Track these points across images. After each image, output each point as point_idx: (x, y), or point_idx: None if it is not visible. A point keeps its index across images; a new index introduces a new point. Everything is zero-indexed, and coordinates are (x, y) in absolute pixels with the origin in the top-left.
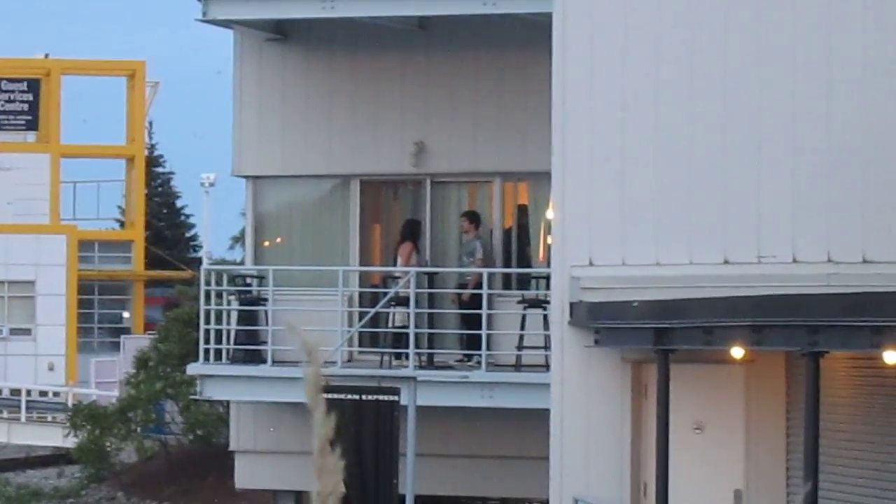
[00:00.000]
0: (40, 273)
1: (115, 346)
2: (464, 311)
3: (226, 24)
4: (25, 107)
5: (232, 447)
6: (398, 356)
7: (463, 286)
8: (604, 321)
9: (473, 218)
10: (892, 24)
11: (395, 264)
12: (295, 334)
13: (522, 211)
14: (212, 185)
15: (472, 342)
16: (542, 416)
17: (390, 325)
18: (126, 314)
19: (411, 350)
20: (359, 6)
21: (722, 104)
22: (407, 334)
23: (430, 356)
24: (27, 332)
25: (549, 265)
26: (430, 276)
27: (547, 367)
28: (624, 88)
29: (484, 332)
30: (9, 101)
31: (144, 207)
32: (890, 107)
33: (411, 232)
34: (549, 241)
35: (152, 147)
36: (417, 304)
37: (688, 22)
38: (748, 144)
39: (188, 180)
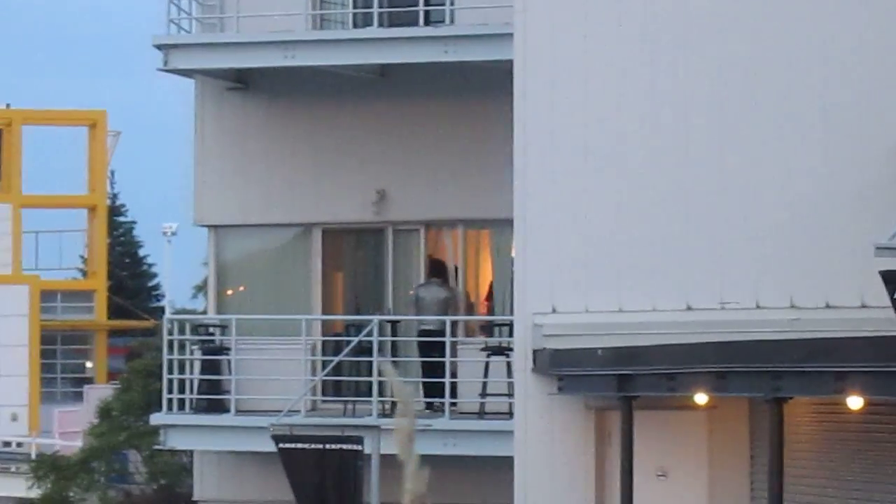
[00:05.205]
0: (2, 323)
1: (78, 396)
2: (427, 359)
3: (187, 73)
4: None
5: (195, 497)
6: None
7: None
8: (567, 368)
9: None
10: (850, 78)
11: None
12: None
13: (485, 258)
14: (173, 234)
15: (435, 389)
16: (505, 463)
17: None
18: (89, 364)
19: (374, 398)
20: (319, 55)
21: (684, 151)
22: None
23: (393, 404)
24: None
25: (511, 312)
26: (394, 324)
27: (510, 414)
28: (586, 135)
29: (448, 379)
30: None
31: (106, 257)
32: (850, 154)
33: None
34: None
35: (114, 196)
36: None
37: (649, 69)
38: (709, 190)
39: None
